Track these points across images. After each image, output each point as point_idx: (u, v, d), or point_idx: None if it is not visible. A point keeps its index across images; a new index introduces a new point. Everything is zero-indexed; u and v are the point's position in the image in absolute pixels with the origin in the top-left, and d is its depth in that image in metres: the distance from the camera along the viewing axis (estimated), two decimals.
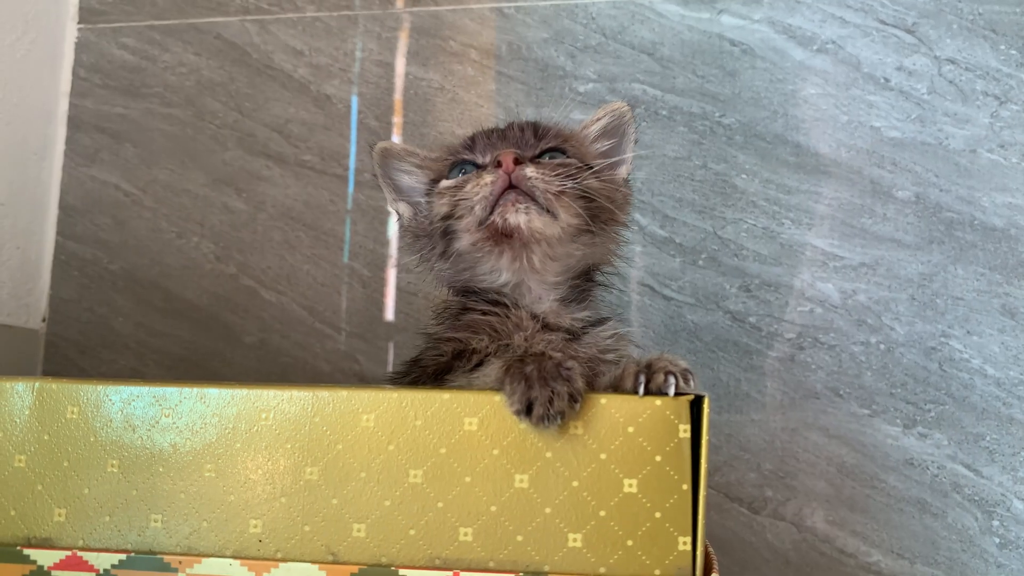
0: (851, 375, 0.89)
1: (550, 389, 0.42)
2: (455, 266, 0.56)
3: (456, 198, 0.53)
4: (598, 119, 0.63)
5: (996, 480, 0.85)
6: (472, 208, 0.51)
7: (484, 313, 0.53)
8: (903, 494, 0.86)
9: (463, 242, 0.54)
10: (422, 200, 0.59)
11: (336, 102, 1.03)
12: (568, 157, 0.56)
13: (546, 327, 0.53)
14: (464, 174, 0.55)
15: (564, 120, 0.66)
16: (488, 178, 0.51)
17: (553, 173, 0.52)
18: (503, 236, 0.52)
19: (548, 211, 0.52)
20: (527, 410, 0.42)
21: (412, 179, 0.60)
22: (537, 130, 0.58)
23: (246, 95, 1.05)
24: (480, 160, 0.55)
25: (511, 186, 0.51)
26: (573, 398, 0.42)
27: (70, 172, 1.07)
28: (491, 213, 0.51)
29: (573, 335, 0.53)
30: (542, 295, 0.55)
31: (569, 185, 0.52)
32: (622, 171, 0.63)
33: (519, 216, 0.51)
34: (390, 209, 0.60)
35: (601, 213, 0.55)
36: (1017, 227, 0.88)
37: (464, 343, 0.52)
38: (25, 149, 1.02)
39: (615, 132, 0.64)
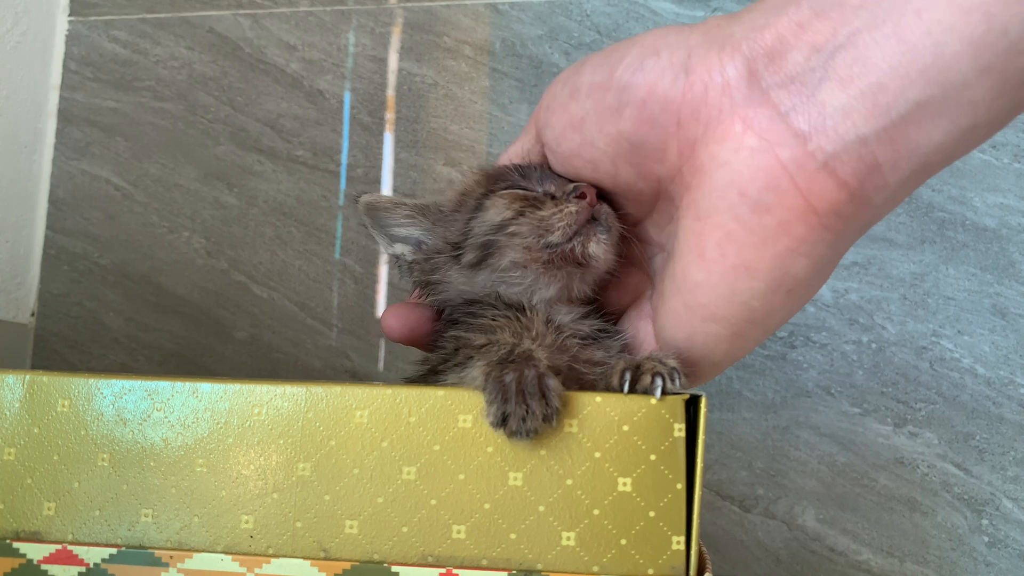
0: (843, 374, 0.89)
1: (525, 407, 0.42)
2: (476, 278, 0.55)
3: (532, 215, 0.53)
4: None
5: (985, 479, 0.85)
6: (551, 231, 0.52)
7: (494, 318, 0.53)
8: (893, 493, 0.86)
9: (509, 257, 0.53)
10: (424, 236, 0.58)
11: (329, 97, 1.02)
12: None
13: (560, 331, 0.53)
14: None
15: None
16: (573, 208, 0.52)
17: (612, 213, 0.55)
18: (566, 262, 0.53)
19: (613, 245, 0.54)
20: (502, 423, 0.42)
21: (405, 230, 0.59)
22: None
23: (238, 89, 1.04)
24: (536, 188, 0.55)
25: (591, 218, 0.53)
26: (547, 418, 0.42)
27: (60, 166, 1.06)
28: (568, 240, 0.52)
29: (587, 341, 0.53)
30: (561, 309, 0.55)
31: (617, 225, 0.54)
32: None
33: (599, 247, 0.52)
34: (384, 252, 0.59)
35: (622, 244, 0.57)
36: (1008, 227, 0.88)
37: (464, 341, 0.51)
38: (15, 142, 1.02)
39: None
